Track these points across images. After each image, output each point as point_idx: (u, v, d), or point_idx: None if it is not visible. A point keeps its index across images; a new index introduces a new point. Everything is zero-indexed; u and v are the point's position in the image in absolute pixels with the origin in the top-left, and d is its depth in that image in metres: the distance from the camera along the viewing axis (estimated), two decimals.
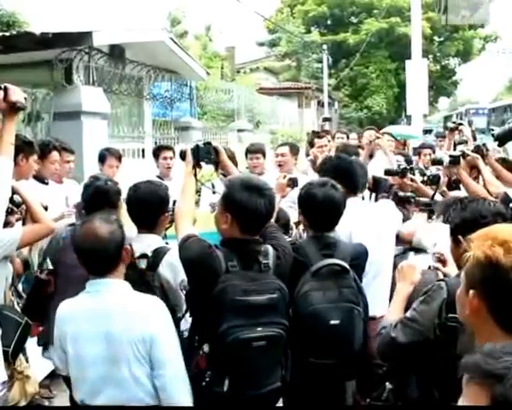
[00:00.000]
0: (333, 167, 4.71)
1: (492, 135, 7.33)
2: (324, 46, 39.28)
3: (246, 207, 3.29)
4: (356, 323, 3.63)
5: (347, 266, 3.69)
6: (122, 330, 3.11)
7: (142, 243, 3.96)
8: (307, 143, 9.47)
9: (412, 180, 5.88)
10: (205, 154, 3.98)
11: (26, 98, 3.81)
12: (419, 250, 4.77)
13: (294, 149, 7.65)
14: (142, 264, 3.89)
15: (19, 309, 4.38)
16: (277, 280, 3.32)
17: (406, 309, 3.22)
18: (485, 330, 2.07)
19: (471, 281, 2.08)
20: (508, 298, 2.01)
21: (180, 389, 3.15)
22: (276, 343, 3.25)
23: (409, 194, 5.73)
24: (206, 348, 3.18)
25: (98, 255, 3.24)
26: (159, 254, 3.88)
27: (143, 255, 3.88)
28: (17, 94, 3.68)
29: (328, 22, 47.04)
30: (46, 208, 4.56)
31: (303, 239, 3.98)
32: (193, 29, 37.35)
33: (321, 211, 3.88)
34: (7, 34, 11.32)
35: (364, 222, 4.58)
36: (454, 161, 5.73)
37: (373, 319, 3.95)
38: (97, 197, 4.41)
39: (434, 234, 4.42)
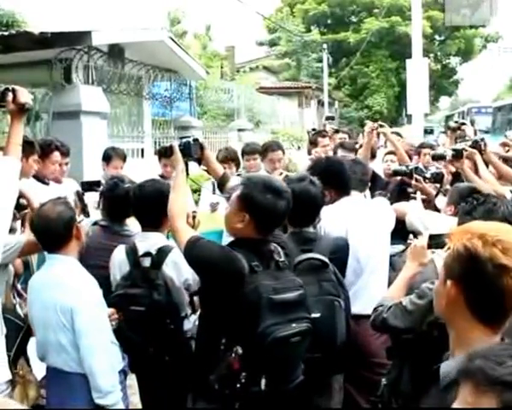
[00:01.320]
0: (323, 169, 4.67)
1: None
2: (324, 45, 39.35)
3: (267, 208, 3.27)
4: (337, 315, 3.68)
5: (327, 260, 3.74)
6: (51, 299, 3.52)
7: (147, 242, 4.03)
8: (308, 141, 9.36)
9: (417, 180, 5.87)
10: (196, 150, 3.94)
11: (32, 99, 3.82)
12: None
13: (283, 149, 7.58)
14: (146, 262, 3.95)
15: (21, 311, 4.36)
16: (295, 277, 3.36)
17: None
18: (460, 321, 2.13)
19: (450, 272, 2.14)
20: (485, 289, 2.06)
21: (98, 360, 3.47)
22: (306, 337, 3.27)
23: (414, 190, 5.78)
24: (239, 349, 3.13)
25: (47, 234, 3.64)
26: (163, 253, 3.92)
27: (147, 253, 3.94)
28: (25, 95, 3.68)
29: (329, 21, 47.04)
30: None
31: (283, 236, 3.93)
32: (192, 28, 37.40)
33: (298, 206, 3.75)
34: (6, 34, 11.32)
35: (360, 220, 4.60)
36: (457, 154, 5.62)
37: (370, 317, 3.94)
38: (126, 199, 4.42)
39: (427, 218, 4.52)
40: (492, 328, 2.12)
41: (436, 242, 3.29)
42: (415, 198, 5.83)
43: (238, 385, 3.12)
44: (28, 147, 5.15)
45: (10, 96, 3.60)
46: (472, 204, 3.39)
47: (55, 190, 5.89)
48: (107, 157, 6.94)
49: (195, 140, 3.98)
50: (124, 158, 7.07)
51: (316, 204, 4.02)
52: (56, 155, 6.14)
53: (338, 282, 3.78)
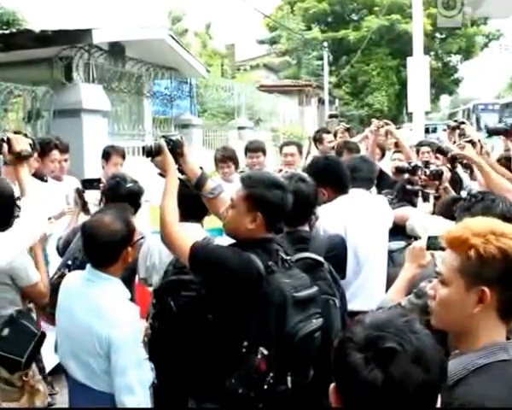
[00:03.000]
0: (320, 168, 4.71)
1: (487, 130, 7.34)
2: (325, 43, 39.50)
3: (278, 204, 3.26)
4: (332, 313, 3.64)
5: (321, 259, 3.69)
6: (87, 323, 3.33)
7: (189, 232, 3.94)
8: (312, 139, 9.36)
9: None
10: (181, 148, 3.70)
11: (31, 144, 3.77)
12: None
13: (300, 148, 7.69)
14: None
15: (35, 316, 4.38)
16: (303, 273, 3.35)
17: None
18: (487, 326, 2.08)
19: (477, 279, 2.06)
20: None
21: (132, 398, 3.26)
22: (321, 332, 3.27)
23: (416, 188, 5.81)
24: (264, 350, 3.09)
25: (94, 248, 3.46)
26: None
27: None
28: (20, 143, 3.66)
29: (329, 19, 47.12)
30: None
31: (278, 236, 3.88)
32: (193, 27, 37.46)
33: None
34: (7, 32, 11.39)
35: (358, 218, 4.62)
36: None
37: None
38: (127, 198, 4.46)
39: (429, 223, 4.45)
40: (508, 324, 2.13)
41: (434, 243, 3.24)
42: (417, 195, 5.85)
43: (265, 386, 3.09)
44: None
45: (5, 147, 3.61)
46: (470, 201, 3.37)
47: (53, 187, 6.07)
48: (107, 155, 7.01)
49: (180, 137, 3.77)
50: (123, 155, 7.12)
51: (308, 202, 3.99)
52: (55, 154, 6.30)
53: (333, 280, 3.75)
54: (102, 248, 3.41)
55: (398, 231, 5.06)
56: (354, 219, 4.58)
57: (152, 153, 3.57)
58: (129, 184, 4.68)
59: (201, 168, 3.76)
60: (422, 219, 4.70)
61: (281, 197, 3.26)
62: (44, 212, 3.75)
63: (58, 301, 3.63)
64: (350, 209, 4.61)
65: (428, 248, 3.24)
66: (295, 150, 7.51)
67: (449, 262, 2.17)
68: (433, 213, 5.17)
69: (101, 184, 5.15)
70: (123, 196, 4.54)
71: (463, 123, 7.80)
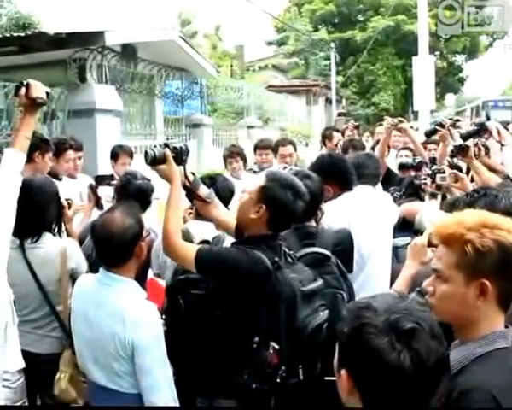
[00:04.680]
0: (324, 166, 4.74)
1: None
2: (332, 44, 39.40)
3: (285, 204, 3.28)
4: (340, 307, 3.56)
5: (328, 253, 3.70)
6: (108, 328, 3.26)
7: (201, 230, 4.11)
8: (321, 137, 9.52)
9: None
10: (186, 155, 3.59)
11: (48, 93, 3.80)
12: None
13: (295, 146, 7.76)
14: None
15: None
16: (306, 268, 3.39)
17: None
18: (487, 316, 2.14)
19: (476, 271, 2.11)
20: None
21: (161, 396, 3.23)
22: (330, 326, 3.25)
23: (422, 182, 5.84)
24: (275, 345, 3.13)
25: (107, 248, 3.37)
26: (219, 241, 3.99)
27: (205, 241, 3.93)
28: (38, 90, 3.69)
29: (336, 20, 46.94)
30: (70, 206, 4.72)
31: (285, 231, 3.93)
32: (202, 29, 37.59)
33: None
34: (22, 35, 11.46)
35: (362, 214, 4.69)
36: (461, 149, 5.57)
37: None
38: (138, 195, 4.62)
39: (438, 218, 4.33)
40: (506, 313, 2.18)
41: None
42: (423, 190, 5.85)
43: (278, 380, 3.12)
44: (44, 145, 5.36)
45: (23, 90, 3.65)
46: (473, 196, 3.31)
47: (68, 185, 6.04)
48: (115, 155, 7.16)
49: (185, 145, 3.65)
50: (131, 154, 7.25)
51: (315, 198, 3.90)
52: (70, 154, 6.33)
53: (341, 274, 3.75)
54: (116, 246, 3.32)
55: (406, 226, 5.11)
56: (358, 215, 4.62)
57: (155, 161, 3.44)
58: (138, 181, 4.76)
59: (193, 174, 3.71)
60: (431, 214, 4.70)
61: (291, 200, 3.27)
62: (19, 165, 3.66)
63: (72, 307, 3.57)
64: (353, 206, 4.66)
65: (430, 245, 3.22)
66: (292, 149, 7.51)
67: (445, 258, 2.20)
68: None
69: (114, 181, 5.29)
70: (132, 192, 4.66)
71: (458, 120, 7.94)
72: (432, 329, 1.82)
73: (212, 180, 4.34)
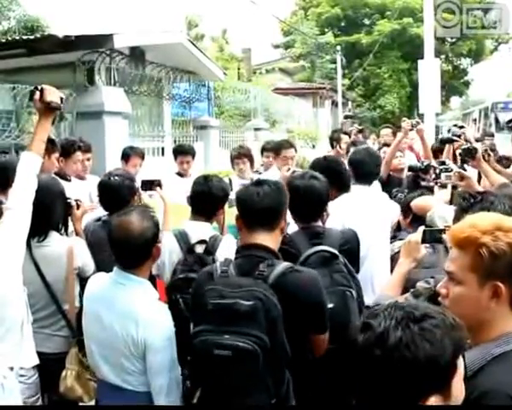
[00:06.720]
0: (321, 168, 4.65)
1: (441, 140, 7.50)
2: (338, 47, 39.38)
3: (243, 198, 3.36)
4: (350, 304, 3.61)
5: (336, 252, 3.69)
6: (121, 328, 3.29)
7: (198, 230, 4.19)
8: (329, 139, 9.63)
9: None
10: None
11: (62, 98, 3.84)
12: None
13: (295, 147, 7.75)
14: (199, 249, 4.09)
15: None
16: (266, 290, 3.01)
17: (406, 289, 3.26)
18: (501, 317, 2.16)
19: (490, 273, 2.12)
20: None
21: (170, 397, 3.27)
22: (246, 358, 2.88)
23: (431, 184, 5.91)
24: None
25: (126, 249, 3.37)
26: (216, 241, 4.08)
27: (202, 241, 4.08)
28: (52, 94, 3.74)
29: (342, 24, 46.89)
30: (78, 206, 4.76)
31: (293, 231, 4.00)
32: (210, 32, 37.69)
33: (303, 202, 3.90)
34: (31, 38, 11.60)
35: (357, 214, 4.75)
36: (469, 153, 5.69)
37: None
38: (108, 194, 4.75)
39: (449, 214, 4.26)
40: None
41: (430, 237, 3.30)
42: (430, 189, 5.87)
43: (184, 388, 3.38)
44: (50, 145, 5.37)
45: (38, 94, 3.70)
46: (469, 202, 3.29)
47: (77, 186, 6.09)
48: (126, 156, 7.17)
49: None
50: (142, 156, 7.28)
51: (321, 199, 4.00)
52: (78, 155, 6.35)
53: (349, 272, 3.74)
54: (135, 248, 3.35)
55: (417, 220, 5.05)
56: (352, 216, 4.66)
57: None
58: (118, 178, 4.81)
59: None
60: (443, 210, 4.65)
61: (253, 192, 3.29)
62: (36, 168, 3.72)
63: (84, 305, 3.59)
64: (348, 207, 4.73)
65: (424, 241, 3.29)
66: (294, 152, 7.48)
67: (459, 261, 2.19)
68: (451, 202, 5.18)
69: (158, 187, 5.39)
70: (115, 188, 4.75)
71: (463, 127, 7.99)
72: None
73: (206, 180, 4.39)
